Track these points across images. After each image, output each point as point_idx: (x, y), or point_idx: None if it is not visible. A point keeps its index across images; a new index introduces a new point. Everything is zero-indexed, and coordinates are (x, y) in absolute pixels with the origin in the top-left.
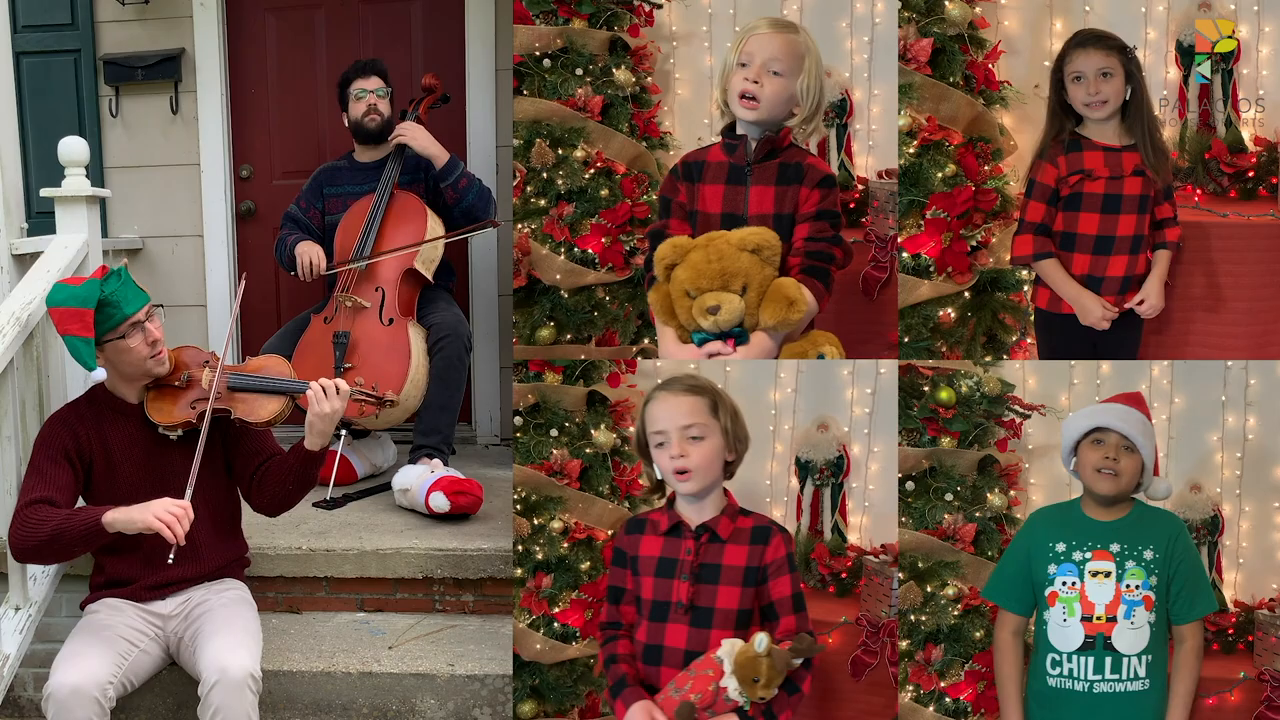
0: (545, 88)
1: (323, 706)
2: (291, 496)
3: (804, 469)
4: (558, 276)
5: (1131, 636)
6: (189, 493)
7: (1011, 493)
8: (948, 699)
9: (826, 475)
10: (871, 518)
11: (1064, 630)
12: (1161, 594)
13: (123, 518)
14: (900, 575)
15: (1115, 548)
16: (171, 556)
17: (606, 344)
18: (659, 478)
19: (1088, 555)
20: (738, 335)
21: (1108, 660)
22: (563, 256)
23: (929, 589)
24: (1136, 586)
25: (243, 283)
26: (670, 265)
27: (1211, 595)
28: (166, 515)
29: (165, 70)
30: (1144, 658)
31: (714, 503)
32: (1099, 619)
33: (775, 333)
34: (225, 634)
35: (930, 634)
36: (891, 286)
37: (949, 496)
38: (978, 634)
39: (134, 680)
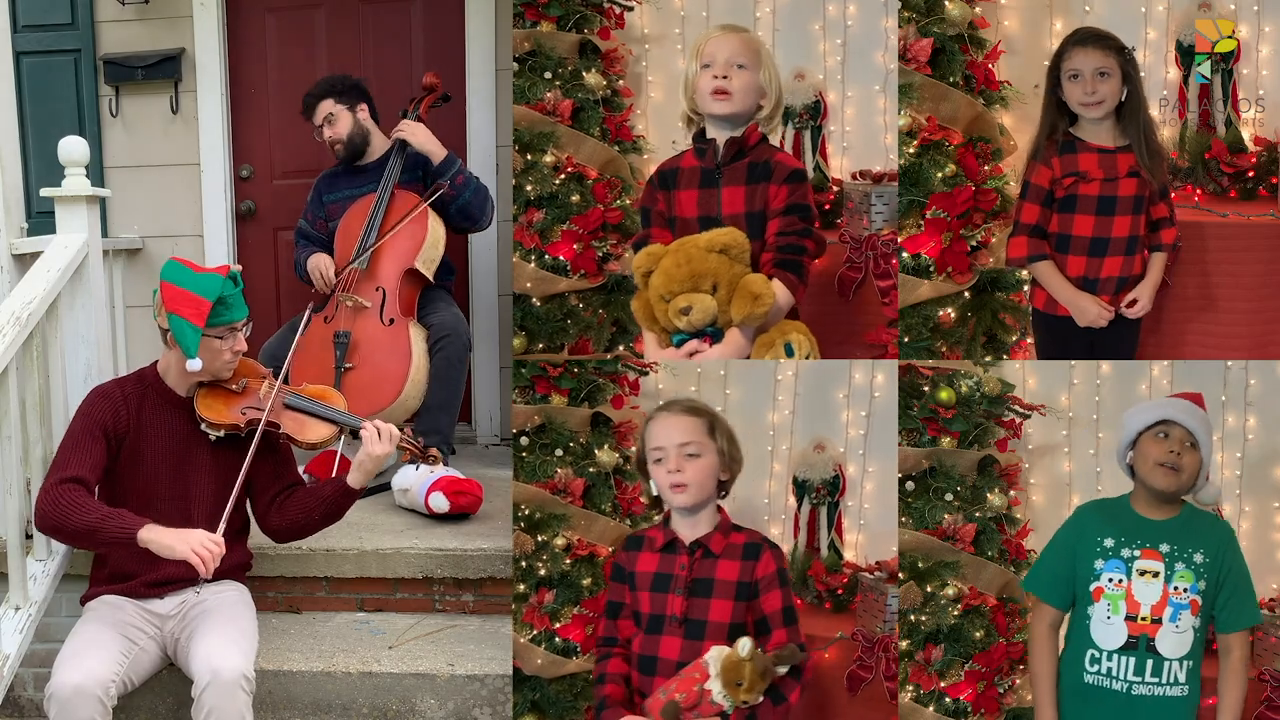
0: (513, 92)
1: (323, 706)
2: (313, 525)
3: (801, 488)
4: (528, 284)
5: (1175, 640)
6: (222, 526)
7: (1011, 493)
8: (948, 699)
9: (823, 494)
10: (867, 535)
11: (1107, 627)
12: (1208, 600)
13: (158, 539)
14: (900, 575)
15: (1165, 548)
16: (199, 589)
17: (580, 352)
18: (655, 493)
19: (1136, 553)
20: (713, 334)
21: (1149, 663)
22: (533, 264)
23: (929, 589)
24: (1185, 589)
25: (307, 312)
26: (646, 272)
27: (1257, 607)
28: (203, 550)
29: (165, 70)
30: (1185, 663)
31: (707, 520)
32: (1144, 619)
33: (746, 327)
34: (219, 634)
35: (930, 634)
36: (867, 287)
37: (949, 496)
38: (978, 634)
39: (135, 679)
